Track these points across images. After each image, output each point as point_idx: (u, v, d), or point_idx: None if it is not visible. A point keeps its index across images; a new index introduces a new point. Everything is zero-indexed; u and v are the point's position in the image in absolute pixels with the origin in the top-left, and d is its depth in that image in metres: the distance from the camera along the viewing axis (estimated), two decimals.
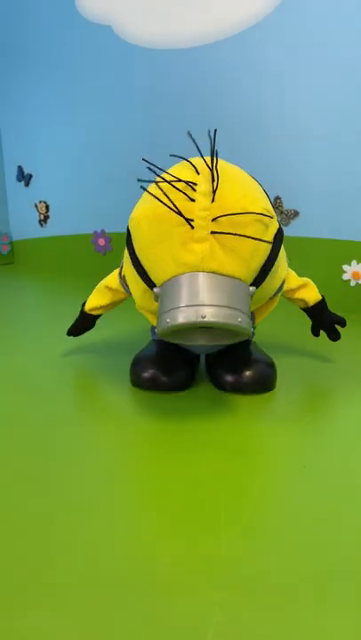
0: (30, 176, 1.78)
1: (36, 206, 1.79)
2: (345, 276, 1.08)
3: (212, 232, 0.50)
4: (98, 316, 0.79)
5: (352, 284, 1.08)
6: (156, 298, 0.54)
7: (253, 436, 0.55)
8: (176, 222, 0.50)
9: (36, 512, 0.41)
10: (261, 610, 0.31)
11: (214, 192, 0.50)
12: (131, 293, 0.65)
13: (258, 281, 0.55)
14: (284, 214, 1.14)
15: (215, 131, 0.53)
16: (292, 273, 0.71)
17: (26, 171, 1.80)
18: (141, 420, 0.58)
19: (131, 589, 0.33)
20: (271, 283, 0.59)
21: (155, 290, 0.54)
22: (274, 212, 0.55)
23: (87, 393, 0.68)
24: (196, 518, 0.40)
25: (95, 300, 0.76)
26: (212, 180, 0.50)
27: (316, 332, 0.78)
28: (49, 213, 1.75)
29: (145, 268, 0.56)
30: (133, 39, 1.35)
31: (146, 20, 1.31)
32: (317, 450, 0.51)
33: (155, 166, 0.55)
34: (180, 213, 0.49)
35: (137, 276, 0.57)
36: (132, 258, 0.57)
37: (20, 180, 1.83)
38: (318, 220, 1.11)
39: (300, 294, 0.72)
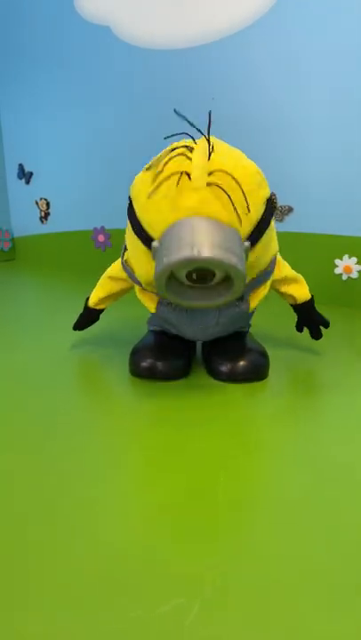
0: (31, 174, 1.81)
1: (36, 203, 1.82)
2: (337, 270, 1.12)
3: (209, 184, 0.53)
4: (102, 311, 0.82)
5: (344, 277, 1.11)
6: (154, 255, 0.55)
7: (248, 419, 0.58)
8: (173, 179, 0.54)
9: (39, 482, 0.44)
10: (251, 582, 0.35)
11: (210, 153, 0.54)
12: (133, 277, 0.68)
13: (252, 238, 0.57)
14: (279, 210, 1.17)
15: (210, 112, 0.59)
16: (286, 263, 0.74)
17: (27, 169, 1.83)
18: (140, 406, 0.61)
19: (131, 562, 0.36)
20: (264, 251, 0.61)
21: (153, 243, 0.55)
22: (264, 179, 0.60)
23: (88, 382, 0.72)
24: (196, 493, 0.43)
25: (98, 293, 0.78)
26: (208, 144, 0.56)
27: (300, 328, 0.81)
28: (49, 210, 1.79)
29: (145, 227, 0.57)
30: (132, 39, 1.38)
31: (144, 21, 1.34)
32: (308, 433, 0.55)
33: (183, 116, 0.60)
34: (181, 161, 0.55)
35: (140, 244, 0.59)
36: (133, 225, 0.60)
37: (20, 178, 1.86)
38: (312, 215, 1.14)
39: (290, 290, 0.75)
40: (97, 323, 0.84)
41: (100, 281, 0.79)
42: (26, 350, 0.85)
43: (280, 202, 1.18)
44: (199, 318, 0.67)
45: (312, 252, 1.14)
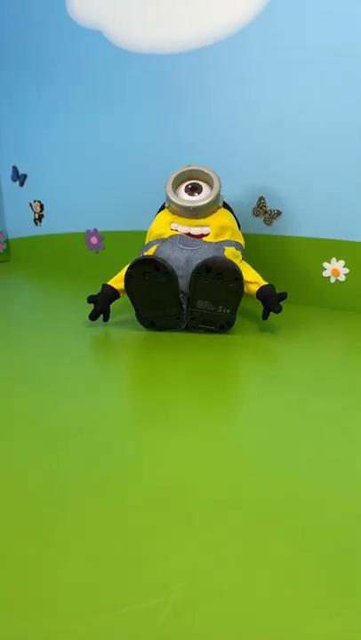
0: (25, 176, 1.83)
1: (30, 205, 1.83)
2: (325, 274, 1.14)
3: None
4: (117, 294, 0.98)
5: (332, 280, 1.14)
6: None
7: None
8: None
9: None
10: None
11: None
12: (144, 249, 0.99)
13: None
14: (268, 214, 1.19)
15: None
16: (256, 275, 0.98)
17: (21, 171, 1.84)
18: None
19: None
20: (227, 217, 1.02)
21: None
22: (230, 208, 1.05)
23: (84, 381, 0.73)
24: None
25: (118, 275, 0.97)
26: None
27: (265, 315, 0.96)
28: (43, 212, 1.80)
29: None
30: (123, 44, 1.40)
31: (135, 25, 1.36)
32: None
33: None
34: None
35: (160, 214, 1.06)
36: (160, 209, 1.08)
37: (15, 180, 1.87)
38: (300, 219, 1.16)
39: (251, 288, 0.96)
40: (91, 325, 0.85)
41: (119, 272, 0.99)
42: (21, 350, 0.86)
43: (269, 206, 1.20)
44: (190, 245, 0.94)
45: (301, 255, 1.16)
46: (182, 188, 1.03)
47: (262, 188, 1.20)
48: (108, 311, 0.99)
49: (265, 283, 0.96)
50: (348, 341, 0.93)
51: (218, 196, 1.00)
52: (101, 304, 0.97)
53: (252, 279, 0.96)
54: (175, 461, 0.50)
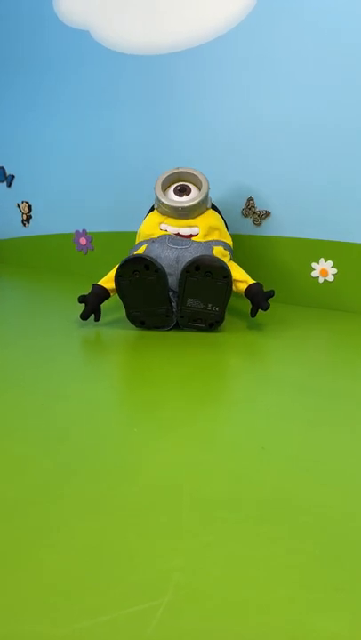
0: (13, 177, 1.82)
1: (18, 206, 1.82)
2: (313, 274, 1.15)
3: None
4: (108, 293, 0.98)
5: (320, 280, 1.14)
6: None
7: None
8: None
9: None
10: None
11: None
12: (134, 249, 1.00)
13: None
14: (257, 215, 1.20)
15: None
16: (244, 273, 1.00)
17: (8, 172, 1.83)
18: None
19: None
20: (212, 222, 1.02)
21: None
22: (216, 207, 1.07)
23: (76, 379, 0.73)
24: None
25: (108, 275, 0.98)
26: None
27: (253, 313, 0.98)
28: (31, 213, 1.79)
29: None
30: (111, 44, 1.40)
31: (122, 26, 1.36)
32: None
33: None
34: None
35: (149, 216, 1.06)
36: (150, 210, 1.09)
37: (2, 181, 1.86)
38: (289, 220, 1.17)
39: (240, 286, 0.99)
40: (82, 326, 0.84)
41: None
42: (10, 352, 0.86)
43: (258, 207, 1.20)
44: (179, 244, 0.96)
45: (289, 255, 1.17)
46: (171, 189, 1.04)
47: (251, 188, 1.21)
48: (99, 311, 0.99)
49: (253, 281, 0.97)
50: (336, 341, 0.93)
51: (206, 197, 1.02)
52: (92, 304, 0.97)
53: (241, 278, 0.98)
54: (167, 461, 0.49)
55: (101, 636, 0.30)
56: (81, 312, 0.97)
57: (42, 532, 0.39)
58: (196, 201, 1.00)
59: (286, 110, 1.12)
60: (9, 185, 1.84)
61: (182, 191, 1.03)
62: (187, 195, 1.02)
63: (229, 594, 0.33)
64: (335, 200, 1.09)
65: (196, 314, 0.93)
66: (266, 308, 0.94)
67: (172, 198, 1.02)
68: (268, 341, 0.91)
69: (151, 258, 0.89)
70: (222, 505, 0.43)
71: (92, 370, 0.77)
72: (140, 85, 1.37)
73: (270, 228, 1.20)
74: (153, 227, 1.02)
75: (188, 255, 0.93)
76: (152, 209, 1.08)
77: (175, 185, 1.04)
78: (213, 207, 1.07)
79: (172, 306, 0.94)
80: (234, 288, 0.94)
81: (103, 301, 0.99)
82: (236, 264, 1.01)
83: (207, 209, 1.04)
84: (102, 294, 0.98)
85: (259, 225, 1.21)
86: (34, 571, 0.35)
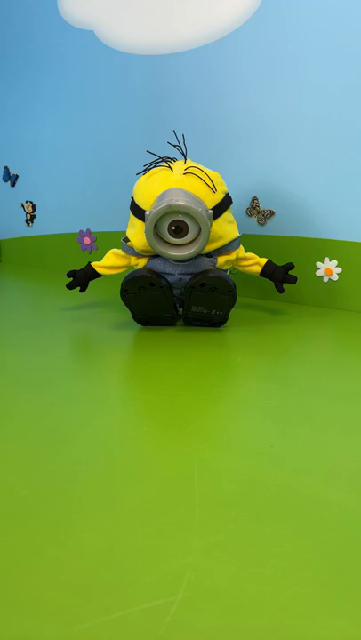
0: (16, 176, 1.82)
1: (22, 206, 1.83)
2: (318, 273, 1.15)
3: (185, 173, 0.86)
4: (97, 274, 1.03)
5: (325, 280, 1.14)
6: (146, 219, 0.83)
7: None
8: (162, 173, 0.87)
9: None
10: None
11: (185, 159, 0.90)
12: (130, 250, 0.95)
13: (215, 210, 0.88)
14: (261, 214, 1.20)
15: (183, 135, 1.00)
16: (252, 255, 1.02)
17: (12, 171, 1.83)
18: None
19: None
20: (222, 228, 0.91)
21: (146, 213, 0.83)
22: (224, 183, 0.93)
23: (77, 379, 0.73)
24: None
25: (103, 262, 1.02)
26: (185, 151, 0.93)
27: (279, 289, 1.02)
28: (35, 213, 1.79)
29: (141, 205, 0.89)
30: (116, 44, 1.40)
31: (127, 26, 1.36)
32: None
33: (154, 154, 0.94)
34: (165, 159, 0.90)
35: (138, 221, 0.91)
36: (133, 211, 0.92)
37: (6, 181, 1.86)
38: (293, 219, 1.17)
39: (251, 268, 1.01)
40: (85, 326, 0.85)
41: (106, 254, 1.02)
42: (10, 351, 0.86)
43: (263, 206, 1.20)
44: (181, 262, 0.91)
45: (294, 254, 1.17)
46: (165, 225, 0.84)
47: (256, 188, 1.21)
48: (86, 285, 1.07)
49: (264, 259, 1.01)
50: (342, 340, 0.93)
51: (207, 238, 0.84)
52: (79, 279, 1.05)
53: (252, 261, 1.01)
54: (177, 460, 0.50)
55: (115, 632, 0.30)
56: (67, 283, 1.11)
57: (53, 531, 0.39)
58: (194, 250, 0.85)
59: (291, 110, 1.12)
60: (13, 184, 1.84)
61: (178, 232, 0.84)
62: (183, 235, 0.85)
63: (241, 591, 0.33)
64: (340, 199, 1.09)
65: (200, 316, 0.95)
66: (294, 281, 1.00)
67: (166, 236, 0.86)
68: (273, 340, 0.91)
69: (156, 276, 0.88)
70: (233, 503, 0.43)
71: (99, 368, 0.77)
72: (144, 85, 1.37)
73: (275, 228, 1.20)
74: (146, 244, 0.91)
75: (193, 270, 0.91)
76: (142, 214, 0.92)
77: (170, 222, 0.84)
78: (223, 202, 0.92)
79: (177, 310, 0.97)
80: (247, 272, 1.02)
81: (91, 280, 1.06)
82: (242, 248, 0.99)
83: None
84: (91, 275, 1.04)
85: (263, 224, 1.21)
86: (45, 570, 0.35)
